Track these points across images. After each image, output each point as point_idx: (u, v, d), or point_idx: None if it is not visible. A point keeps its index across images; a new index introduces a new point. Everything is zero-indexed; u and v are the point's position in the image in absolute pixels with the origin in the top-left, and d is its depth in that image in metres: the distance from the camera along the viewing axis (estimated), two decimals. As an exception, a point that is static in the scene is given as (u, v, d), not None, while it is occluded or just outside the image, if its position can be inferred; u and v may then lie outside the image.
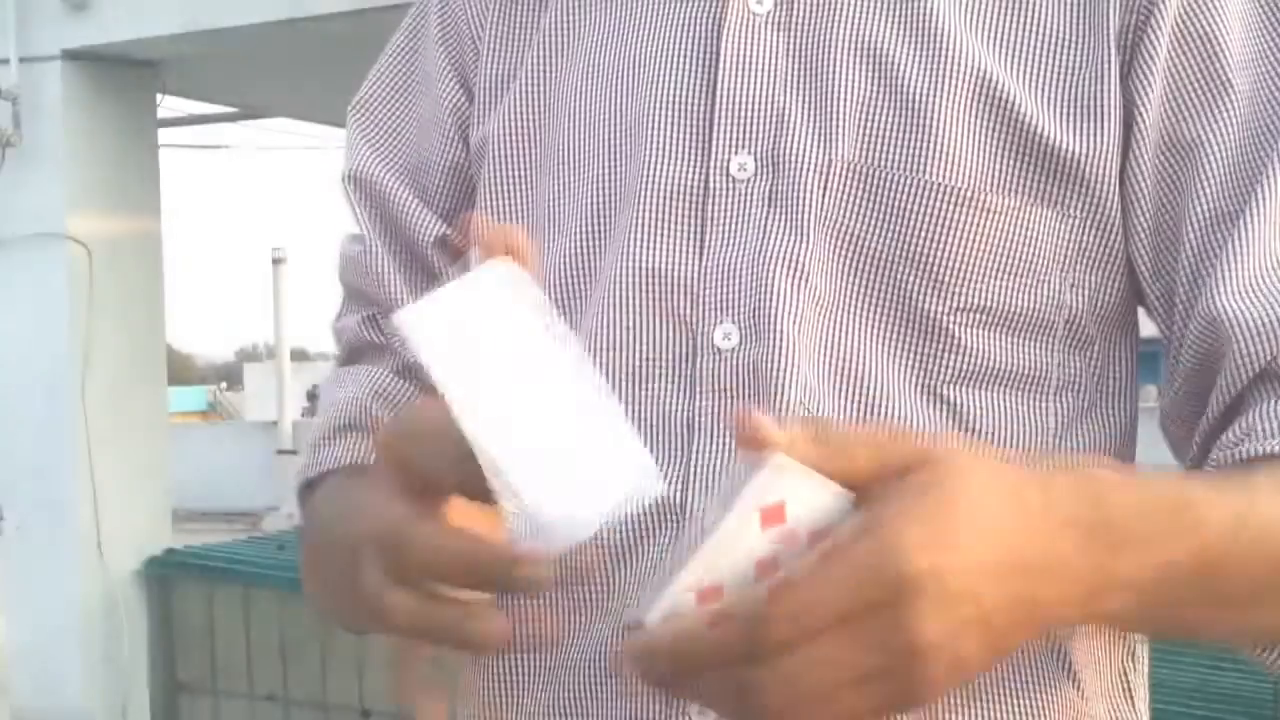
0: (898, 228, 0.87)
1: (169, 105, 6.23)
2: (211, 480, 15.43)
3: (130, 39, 5.25)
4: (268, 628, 5.13)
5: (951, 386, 0.88)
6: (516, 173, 0.98)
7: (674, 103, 0.92)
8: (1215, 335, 0.87)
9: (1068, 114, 0.89)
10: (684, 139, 0.91)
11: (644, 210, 0.91)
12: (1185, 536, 0.73)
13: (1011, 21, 0.91)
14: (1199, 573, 0.74)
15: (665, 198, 0.91)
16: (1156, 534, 0.72)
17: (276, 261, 16.00)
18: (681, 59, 0.93)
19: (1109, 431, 0.92)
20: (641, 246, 0.91)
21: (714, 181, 0.90)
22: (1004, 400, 0.88)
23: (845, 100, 0.89)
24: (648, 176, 0.91)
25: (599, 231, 0.93)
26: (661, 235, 0.91)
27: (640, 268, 0.90)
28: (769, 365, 0.86)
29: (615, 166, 0.93)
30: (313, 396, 24.94)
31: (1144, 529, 0.71)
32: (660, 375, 0.89)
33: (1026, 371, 0.89)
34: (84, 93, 5.40)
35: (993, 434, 0.88)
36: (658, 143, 0.92)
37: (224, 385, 30.53)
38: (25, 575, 5.44)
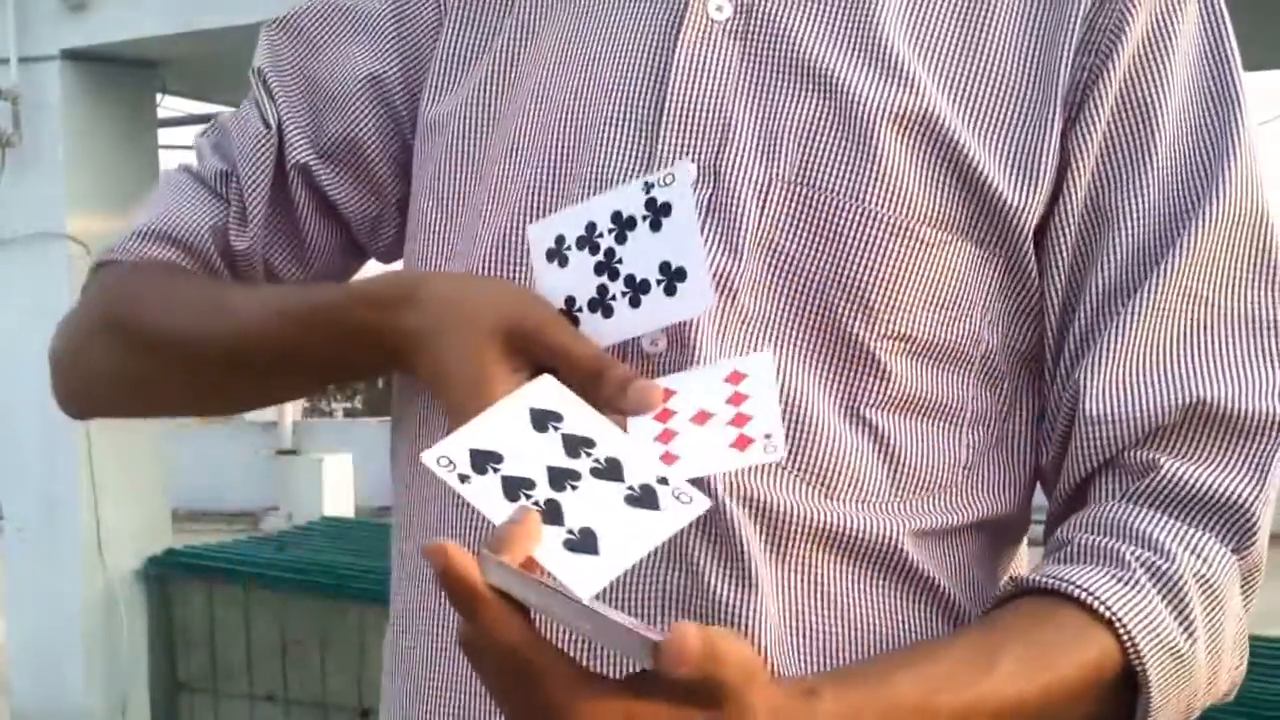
0: (832, 251, 0.88)
1: (169, 105, 6.24)
2: (211, 480, 15.43)
3: (129, 39, 5.25)
4: (268, 628, 5.13)
5: (874, 411, 0.88)
6: (469, 153, 0.98)
7: (625, 103, 0.92)
8: (1075, 414, 0.90)
9: (1006, 162, 0.90)
10: (631, 139, 0.91)
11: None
12: None
13: (964, 63, 0.91)
14: None
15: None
16: None
17: (276, 261, 15.98)
18: (637, 60, 0.93)
19: (1013, 469, 0.94)
20: None
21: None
22: (923, 428, 0.90)
23: (792, 118, 0.90)
24: (593, 171, 0.92)
25: (541, 214, 0.91)
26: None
27: None
28: None
29: (564, 159, 0.93)
30: (313, 395, 24.99)
31: None
32: None
33: (945, 402, 0.90)
34: (84, 93, 5.40)
35: (911, 460, 0.89)
36: (605, 140, 0.92)
37: (224, 385, 30.46)
38: (25, 575, 5.44)
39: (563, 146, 0.93)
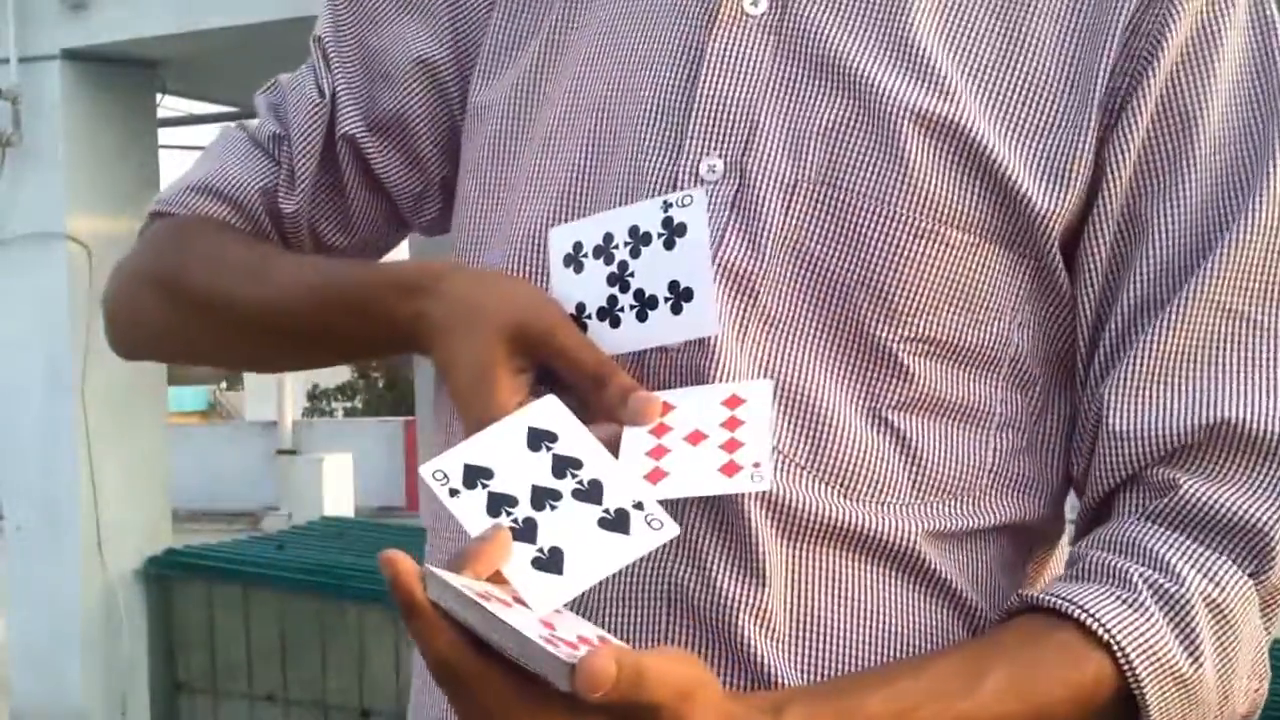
0: (857, 253, 0.87)
1: (169, 105, 6.24)
2: (211, 480, 15.45)
3: (129, 39, 5.26)
4: (268, 628, 5.14)
5: (896, 412, 0.88)
6: (511, 140, 0.99)
7: (657, 96, 0.92)
8: (1099, 427, 0.89)
9: (1036, 167, 0.88)
10: (661, 134, 0.91)
11: (616, 199, 0.91)
12: None
13: (1000, 65, 0.90)
14: None
15: (638, 191, 0.91)
16: None
17: (276, 261, 16.00)
18: (671, 53, 0.93)
19: (1044, 472, 0.93)
20: None
21: (682, 180, 0.90)
22: (947, 430, 0.89)
23: (819, 117, 0.89)
24: (625, 166, 0.92)
25: (574, 208, 0.93)
26: None
27: None
28: (708, 375, 0.86)
29: (599, 152, 0.93)
30: (313, 396, 24.99)
31: None
32: None
33: (971, 405, 0.89)
34: (84, 93, 5.41)
35: (933, 463, 0.88)
36: (637, 135, 0.92)
37: (224, 385, 30.55)
38: (25, 575, 5.45)
39: (598, 139, 0.94)
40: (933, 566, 0.88)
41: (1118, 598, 0.83)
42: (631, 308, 0.85)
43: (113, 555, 5.37)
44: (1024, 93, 0.89)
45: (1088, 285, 0.90)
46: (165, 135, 6.43)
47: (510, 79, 1.00)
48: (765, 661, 0.85)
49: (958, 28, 0.91)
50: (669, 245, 0.85)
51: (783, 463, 0.86)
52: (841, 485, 0.87)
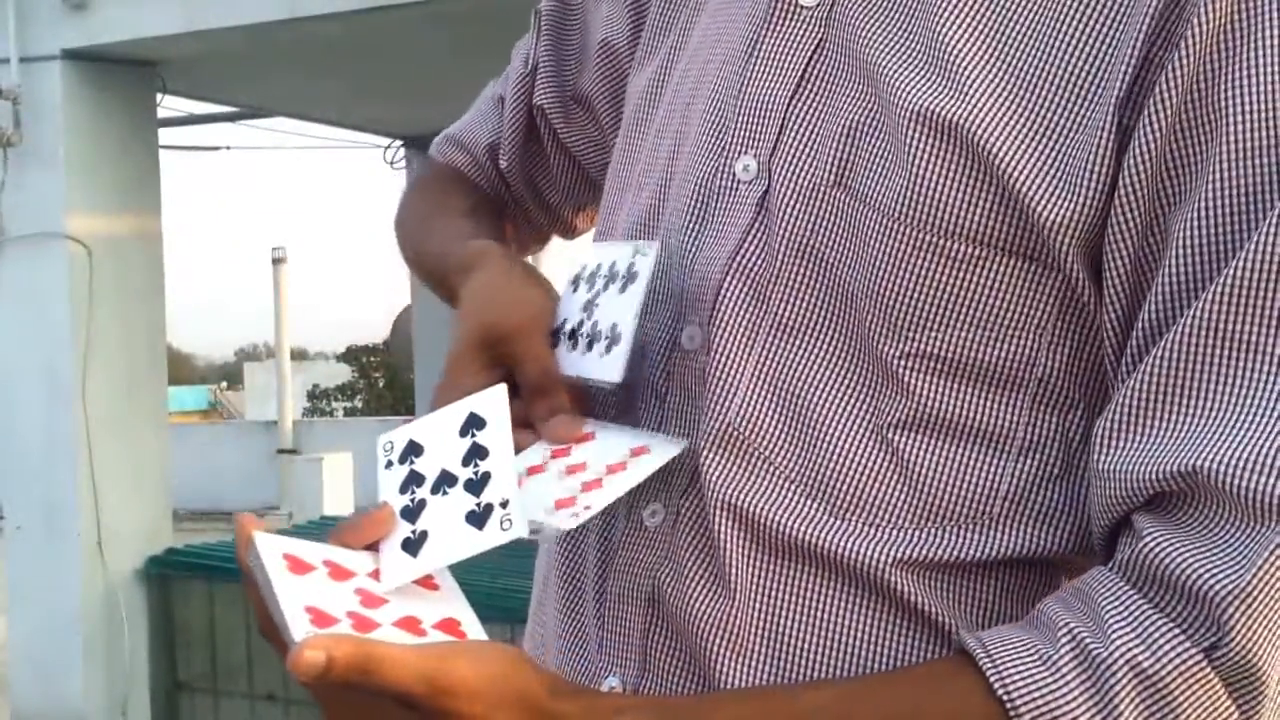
0: (862, 261, 0.83)
1: (169, 105, 6.24)
2: (212, 480, 15.45)
3: (130, 39, 5.26)
4: (268, 627, 5.14)
5: (897, 431, 0.83)
6: (637, 131, 1.03)
7: (717, 94, 0.93)
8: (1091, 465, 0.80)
9: (1054, 173, 0.79)
10: (714, 133, 0.92)
11: (682, 198, 0.92)
12: None
13: (1038, 60, 0.81)
14: None
15: (691, 191, 0.92)
16: None
17: (276, 261, 16.01)
18: (734, 48, 0.93)
19: (1079, 501, 0.83)
20: (669, 230, 0.93)
21: (720, 179, 0.90)
22: (954, 452, 0.83)
23: (843, 117, 0.86)
24: (688, 166, 0.93)
25: (657, 206, 0.96)
26: (680, 224, 0.92)
27: (665, 250, 0.92)
28: (714, 380, 0.86)
29: (678, 150, 0.95)
30: (313, 395, 24.96)
31: None
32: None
33: (985, 426, 0.82)
34: (84, 93, 5.41)
35: (935, 486, 0.83)
36: (699, 133, 0.93)
37: (224, 385, 30.56)
38: (25, 575, 5.45)
39: (681, 136, 0.95)
40: (911, 596, 0.82)
41: (1034, 650, 0.74)
42: (585, 337, 0.90)
43: (113, 555, 5.38)
44: (1058, 88, 0.80)
45: (1111, 304, 0.80)
46: (165, 135, 6.43)
47: (652, 66, 1.03)
48: (724, 674, 0.85)
49: (999, 17, 0.83)
50: (622, 289, 0.89)
51: (770, 476, 0.85)
52: (829, 501, 0.83)
